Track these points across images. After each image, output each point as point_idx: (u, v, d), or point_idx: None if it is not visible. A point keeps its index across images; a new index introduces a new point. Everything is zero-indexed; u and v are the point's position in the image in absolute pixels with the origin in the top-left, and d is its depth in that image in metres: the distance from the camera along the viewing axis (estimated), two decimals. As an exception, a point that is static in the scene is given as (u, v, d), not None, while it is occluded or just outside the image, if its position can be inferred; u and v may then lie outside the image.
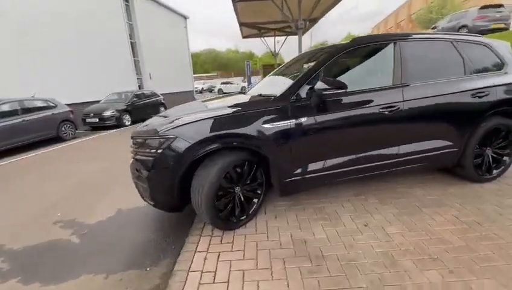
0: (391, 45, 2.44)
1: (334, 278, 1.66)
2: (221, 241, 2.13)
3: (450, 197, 2.56)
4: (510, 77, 2.68)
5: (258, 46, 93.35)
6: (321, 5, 11.15)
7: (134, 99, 10.48)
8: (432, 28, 14.16)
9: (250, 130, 2.07)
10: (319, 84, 2.13)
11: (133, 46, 14.49)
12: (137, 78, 14.78)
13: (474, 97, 2.51)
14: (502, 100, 2.57)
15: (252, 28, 18.46)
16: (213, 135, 2.01)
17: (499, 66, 2.72)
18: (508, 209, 2.29)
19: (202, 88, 30.97)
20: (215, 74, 59.39)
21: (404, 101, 2.34)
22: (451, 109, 2.49)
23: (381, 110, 2.29)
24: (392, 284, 1.58)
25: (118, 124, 9.45)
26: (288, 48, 22.52)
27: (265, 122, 2.10)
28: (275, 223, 2.34)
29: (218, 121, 2.06)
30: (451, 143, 2.55)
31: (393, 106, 2.31)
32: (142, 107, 10.76)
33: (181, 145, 1.98)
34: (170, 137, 2.00)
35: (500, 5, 10.91)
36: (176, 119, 2.15)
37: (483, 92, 2.52)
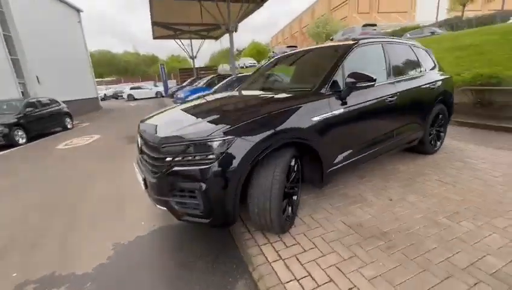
0: (380, 46, 2.89)
1: (411, 247, 1.85)
2: (285, 245, 1.98)
3: (423, 168, 3.25)
4: (439, 74, 3.64)
5: (161, 50, 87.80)
6: (245, 11, 11.61)
7: (28, 109, 7.96)
8: (330, 40, 17.14)
9: (305, 123, 2.03)
10: (349, 78, 2.31)
11: (7, 40, 10.91)
12: (19, 83, 11.22)
13: (430, 89, 3.28)
14: (442, 91, 3.47)
15: (166, 28, 17.27)
16: (275, 131, 1.85)
17: (433, 66, 3.65)
18: (462, 170, 3.11)
19: (105, 94, 26.44)
20: (114, 78, 51.69)
21: (397, 92, 2.82)
22: (420, 98, 3.18)
23: (385, 99, 2.68)
24: (452, 239, 1.91)
25: (8, 144, 6.96)
26: (199, 52, 22.16)
27: (313, 115, 2.10)
28: (318, 215, 2.36)
29: (276, 117, 1.92)
30: (421, 125, 3.25)
31: (393, 97, 2.75)
32: (41, 119, 8.32)
33: (244, 145, 1.73)
34: (228, 138, 1.72)
35: (374, 24, 14.49)
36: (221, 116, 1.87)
37: (434, 85, 3.34)
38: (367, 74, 2.27)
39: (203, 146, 1.73)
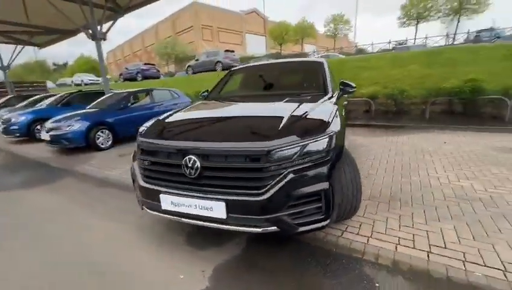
0: (327, 62, 3.77)
1: (415, 198, 2.66)
2: (355, 227, 2.21)
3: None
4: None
5: None
6: (106, 18, 9.84)
7: None
8: (196, 60, 17.81)
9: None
10: (341, 85, 2.92)
11: None
12: None
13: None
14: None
15: None
16: (343, 124, 2.09)
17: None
18: (370, 151, 4.57)
19: None
20: None
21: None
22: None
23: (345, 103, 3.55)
24: (421, 187, 2.92)
25: None
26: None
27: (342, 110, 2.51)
28: (342, 200, 2.75)
29: (338, 113, 2.13)
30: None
31: (346, 101, 3.68)
32: None
33: (339, 138, 1.86)
34: (334, 132, 1.78)
35: (233, 51, 16.84)
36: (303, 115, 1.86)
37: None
38: (350, 82, 2.98)
39: (318, 144, 1.67)
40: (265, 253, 2.06)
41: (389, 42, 23.35)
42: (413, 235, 2.06)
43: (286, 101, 2.38)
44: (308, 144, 1.64)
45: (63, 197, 3.47)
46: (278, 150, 1.59)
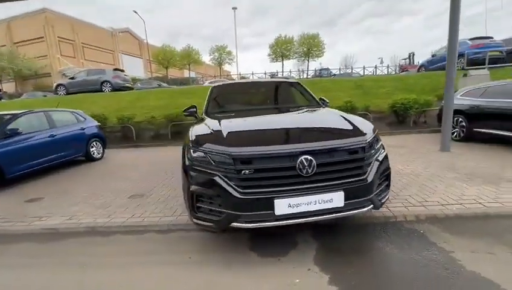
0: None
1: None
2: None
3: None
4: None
5: None
6: None
7: None
8: (71, 78, 14.34)
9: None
10: (320, 101, 3.69)
11: None
12: None
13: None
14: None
15: None
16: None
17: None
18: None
19: None
20: None
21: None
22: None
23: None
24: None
25: None
26: None
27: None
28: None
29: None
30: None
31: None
32: None
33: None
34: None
35: (123, 70, 14.97)
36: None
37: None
38: (325, 98, 3.82)
39: (378, 137, 2.26)
40: (333, 241, 2.35)
41: (265, 73, 28.25)
42: (406, 199, 3.00)
43: (312, 111, 2.85)
44: (377, 137, 2.21)
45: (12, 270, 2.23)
46: (370, 142, 2.06)
